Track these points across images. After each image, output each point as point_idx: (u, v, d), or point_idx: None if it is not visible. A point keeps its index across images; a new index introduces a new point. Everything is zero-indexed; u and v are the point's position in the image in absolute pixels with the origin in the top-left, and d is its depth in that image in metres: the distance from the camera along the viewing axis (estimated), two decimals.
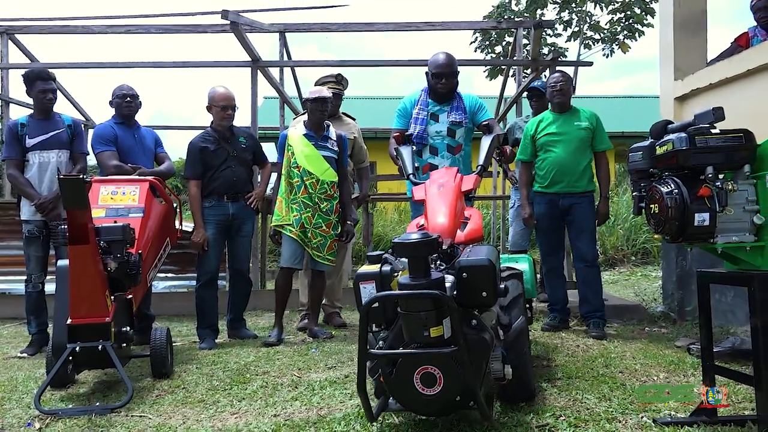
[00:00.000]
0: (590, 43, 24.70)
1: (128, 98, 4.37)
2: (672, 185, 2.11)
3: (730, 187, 2.05)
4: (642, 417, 2.43)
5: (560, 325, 4.49)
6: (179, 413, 2.73)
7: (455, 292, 2.18)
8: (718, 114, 2.10)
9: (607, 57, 24.63)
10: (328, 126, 4.46)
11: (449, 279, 2.21)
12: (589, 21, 24.40)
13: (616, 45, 24.29)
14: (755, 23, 4.37)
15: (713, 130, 2.08)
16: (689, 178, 2.11)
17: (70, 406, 2.90)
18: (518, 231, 5.33)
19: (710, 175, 2.06)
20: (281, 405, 2.77)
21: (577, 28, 24.51)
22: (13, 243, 5.82)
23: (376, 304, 2.15)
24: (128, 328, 3.25)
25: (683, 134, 2.08)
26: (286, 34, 7.39)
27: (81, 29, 7.13)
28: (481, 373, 2.16)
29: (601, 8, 23.76)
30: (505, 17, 23.87)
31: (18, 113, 7.35)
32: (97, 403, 2.89)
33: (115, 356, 2.94)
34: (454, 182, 2.90)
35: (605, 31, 24.09)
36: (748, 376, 2.11)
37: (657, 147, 2.22)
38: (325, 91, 4.44)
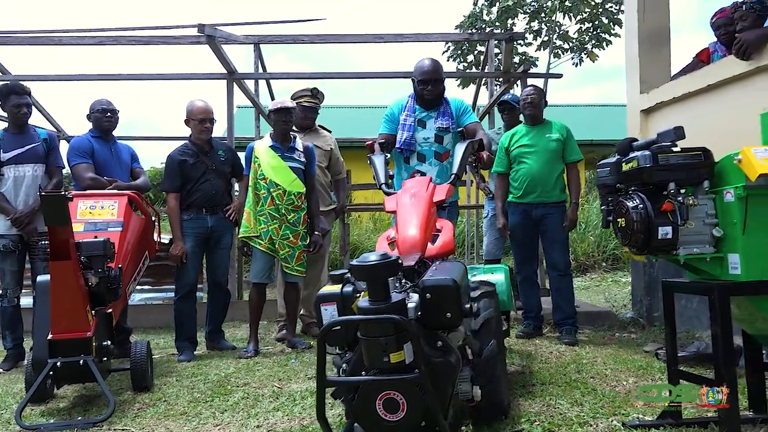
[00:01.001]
0: (560, 52, 25.20)
1: (108, 113, 4.38)
2: (637, 200, 2.23)
3: (690, 202, 2.18)
4: (612, 420, 2.54)
5: (534, 332, 4.62)
6: (162, 426, 2.76)
7: (419, 313, 2.09)
8: (678, 133, 2.23)
9: (576, 66, 25.09)
10: (295, 137, 4.51)
11: (413, 299, 2.11)
12: (558, 31, 24.88)
13: (585, 54, 24.83)
14: (716, 39, 4.55)
15: (674, 149, 2.21)
16: (653, 193, 2.24)
17: (52, 421, 2.91)
18: (492, 240, 5.45)
19: (672, 191, 2.19)
20: (263, 416, 2.82)
21: (546, 38, 24.97)
22: None
23: (337, 328, 2.08)
24: (109, 342, 3.27)
25: (647, 152, 2.21)
26: (261, 45, 7.44)
27: (52, 40, 7.08)
28: (447, 397, 2.08)
29: (570, 18, 24.23)
30: (477, 26, 24.25)
31: None
32: (79, 418, 2.91)
33: (96, 371, 2.96)
34: (426, 192, 2.79)
35: (574, 41, 24.62)
36: (710, 379, 2.23)
37: (623, 164, 2.34)
38: (288, 102, 4.48)
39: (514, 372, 3.49)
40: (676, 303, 4.07)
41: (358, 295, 2.18)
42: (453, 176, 3.13)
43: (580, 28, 24.48)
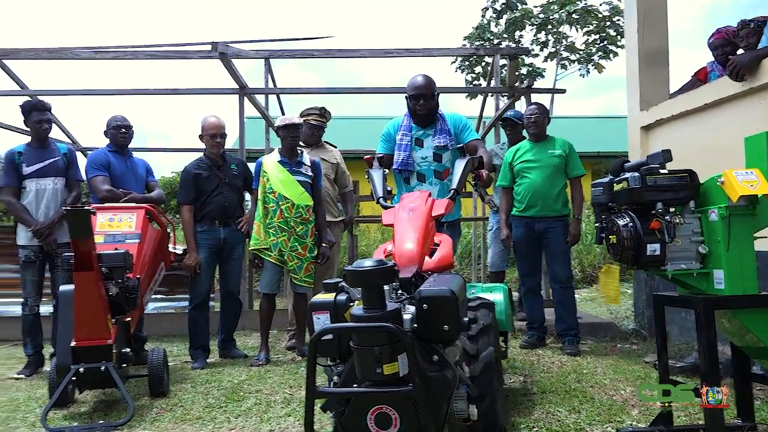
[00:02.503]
0: (566, 63, 25.37)
1: (123, 129, 4.56)
2: (627, 218, 2.38)
3: (677, 221, 2.32)
4: (607, 427, 2.68)
5: (537, 342, 4.75)
6: (179, 429, 2.91)
7: (415, 325, 2.00)
8: (666, 156, 2.37)
9: (583, 77, 25.23)
10: (302, 152, 4.67)
11: (410, 310, 2.03)
12: (565, 42, 25.05)
13: (592, 65, 24.97)
14: (713, 59, 4.68)
15: (662, 170, 2.35)
16: (642, 212, 2.38)
17: (75, 424, 3.06)
18: (497, 252, 5.58)
19: (660, 210, 2.33)
20: (276, 420, 2.97)
21: (553, 49, 25.13)
22: (5, 266, 5.94)
23: (328, 336, 1.97)
24: (127, 349, 3.43)
25: (636, 174, 2.36)
26: (271, 60, 7.64)
27: (69, 54, 7.29)
28: (443, 414, 1.98)
29: (577, 30, 24.40)
30: (484, 38, 24.43)
31: (5, 136, 7.49)
32: (101, 421, 3.06)
33: (117, 376, 3.11)
34: (425, 206, 2.72)
35: (581, 52, 24.79)
36: (698, 389, 2.35)
37: (615, 183, 2.48)
38: (295, 118, 4.63)
39: (516, 381, 3.62)
40: (677, 316, 4.19)
41: (351, 303, 2.08)
42: (452, 191, 3.08)
43: (587, 39, 24.64)
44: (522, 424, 2.75)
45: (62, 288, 3.42)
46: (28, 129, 4.52)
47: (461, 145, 3.73)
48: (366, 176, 3.35)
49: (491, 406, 2.33)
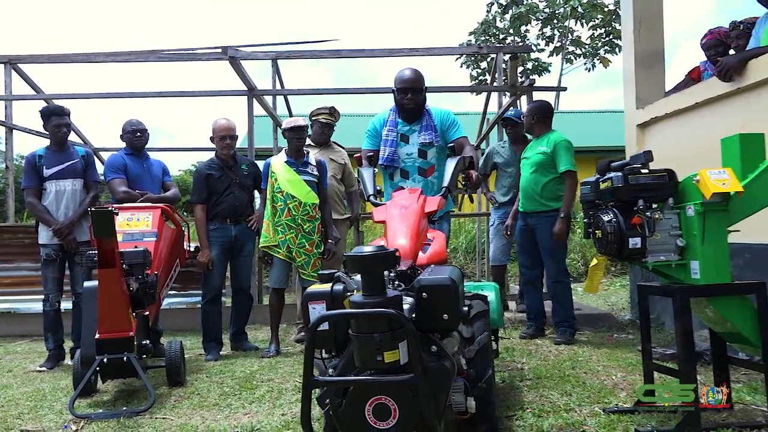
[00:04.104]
0: (572, 57, 25.44)
1: (138, 133, 4.76)
2: (611, 214, 2.57)
3: (657, 216, 2.51)
4: (595, 407, 2.87)
5: (536, 333, 4.93)
6: (198, 415, 3.12)
7: (413, 315, 2.00)
8: (647, 156, 2.56)
9: (588, 71, 25.28)
10: (308, 152, 4.87)
11: (408, 301, 2.03)
12: (570, 36, 25.11)
13: (598, 60, 25.01)
14: (706, 59, 4.84)
15: (644, 170, 2.54)
16: (625, 208, 2.57)
17: (99, 411, 3.27)
18: (498, 247, 5.77)
19: (641, 207, 2.52)
20: (287, 406, 3.17)
21: (559, 44, 25.18)
22: (23, 264, 6.18)
23: (326, 325, 1.95)
24: (147, 341, 3.64)
25: (620, 173, 2.55)
26: (278, 60, 7.84)
27: (82, 58, 7.52)
28: (441, 405, 1.94)
29: (582, 24, 24.47)
30: (489, 33, 24.51)
31: (21, 138, 7.71)
32: (124, 408, 3.27)
33: (138, 366, 3.32)
34: (417, 203, 2.69)
35: (587, 47, 24.85)
36: (677, 370, 2.54)
37: (601, 182, 2.67)
38: (301, 121, 4.82)
39: (513, 368, 3.81)
40: (669, 305, 4.37)
41: (348, 293, 2.07)
42: (444, 189, 3.02)
43: (593, 34, 24.69)
44: (516, 406, 2.94)
45: (86, 284, 3.61)
46: (47, 132, 4.73)
47: (451, 143, 3.62)
48: (356, 174, 3.38)
49: (487, 393, 2.35)
